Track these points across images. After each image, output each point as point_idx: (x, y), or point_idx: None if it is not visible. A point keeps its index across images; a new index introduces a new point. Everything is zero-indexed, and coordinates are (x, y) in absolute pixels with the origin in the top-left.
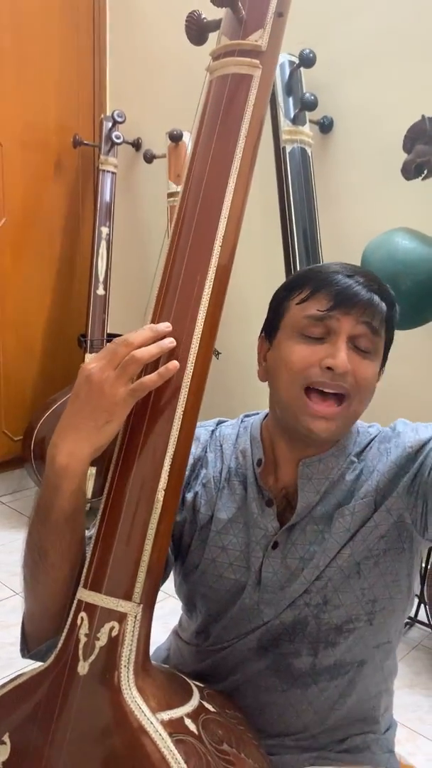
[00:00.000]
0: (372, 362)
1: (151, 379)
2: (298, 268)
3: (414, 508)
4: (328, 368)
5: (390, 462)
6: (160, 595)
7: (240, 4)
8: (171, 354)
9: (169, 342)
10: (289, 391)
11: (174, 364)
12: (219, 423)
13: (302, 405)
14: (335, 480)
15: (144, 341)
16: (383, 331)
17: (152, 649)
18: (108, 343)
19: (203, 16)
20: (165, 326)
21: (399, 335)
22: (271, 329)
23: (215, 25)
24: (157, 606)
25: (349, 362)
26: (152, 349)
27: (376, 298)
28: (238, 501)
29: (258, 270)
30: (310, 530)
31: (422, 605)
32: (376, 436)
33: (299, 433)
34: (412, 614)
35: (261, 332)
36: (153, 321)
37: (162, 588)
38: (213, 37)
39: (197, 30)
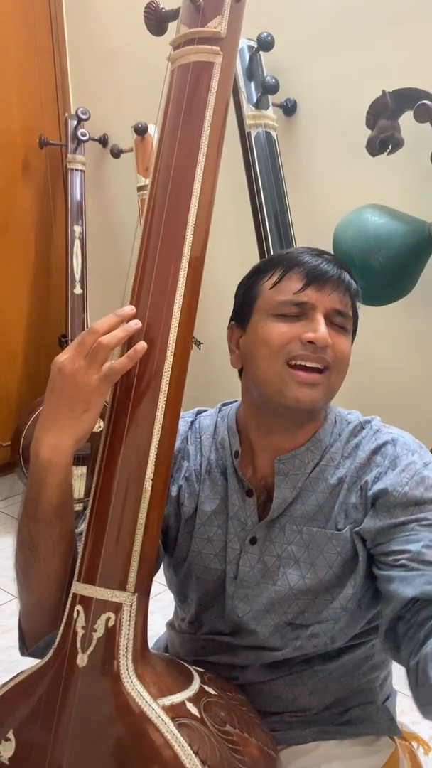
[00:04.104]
0: (346, 337)
1: (121, 363)
2: (273, 252)
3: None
4: (310, 342)
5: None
6: (159, 587)
7: None
8: (149, 342)
9: (135, 324)
10: (271, 367)
11: (142, 345)
12: (198, 413)
13: (286, 376)
14: (313, 475)
15: (110, 327)
16: (353, 308)
17: (152, 641)
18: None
19: (161, 6)
20: (129, 309)
21: (376, 311)
22: (242, 316)
23: (174, 14)
24: (156, 598)
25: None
26: (118, 333)
27: (346, 275)
28: (220, 492)
29: (233, 257)
30: (290, 530)
31: None
32: (364, 434)
33: (283, 408)
34: None
35: (230, 321)
36: None
37: (161, 580)
38: (172, 27)
39: (156, 20)
